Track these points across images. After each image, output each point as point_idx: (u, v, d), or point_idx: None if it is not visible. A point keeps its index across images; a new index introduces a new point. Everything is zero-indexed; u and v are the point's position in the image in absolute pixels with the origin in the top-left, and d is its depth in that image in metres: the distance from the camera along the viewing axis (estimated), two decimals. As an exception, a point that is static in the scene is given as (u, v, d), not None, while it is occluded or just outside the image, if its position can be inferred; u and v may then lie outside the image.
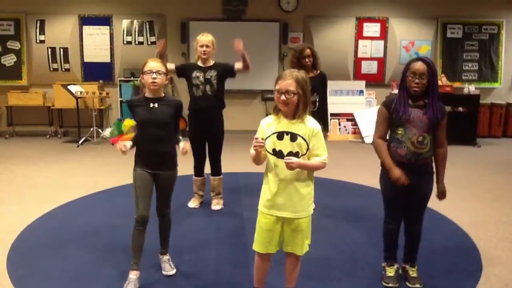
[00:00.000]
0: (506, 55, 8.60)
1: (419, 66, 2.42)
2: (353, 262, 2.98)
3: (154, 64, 2.58)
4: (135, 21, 8.16)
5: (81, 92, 7.40)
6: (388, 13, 8.45)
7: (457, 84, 8.04)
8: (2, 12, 7.97)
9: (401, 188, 2.50)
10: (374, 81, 8.56)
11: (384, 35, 8.48)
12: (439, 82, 7.03)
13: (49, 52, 8.12)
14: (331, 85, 6.35)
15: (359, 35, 8.47)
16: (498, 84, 8.66)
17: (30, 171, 5.48)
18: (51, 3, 8.01)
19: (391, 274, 2.68)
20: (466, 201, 4.41)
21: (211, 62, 3.85)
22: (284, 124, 2.19)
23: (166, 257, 2.85)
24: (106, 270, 2.82)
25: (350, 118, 8.24)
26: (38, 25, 8.04)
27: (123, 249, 3.03)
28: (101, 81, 8.14)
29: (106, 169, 5.64)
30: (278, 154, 2.18)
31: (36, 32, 8.06)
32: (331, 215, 3.93)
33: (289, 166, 2.11)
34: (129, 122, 6.39)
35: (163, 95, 2.68)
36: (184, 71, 3.89)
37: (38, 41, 8.08)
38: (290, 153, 2.16)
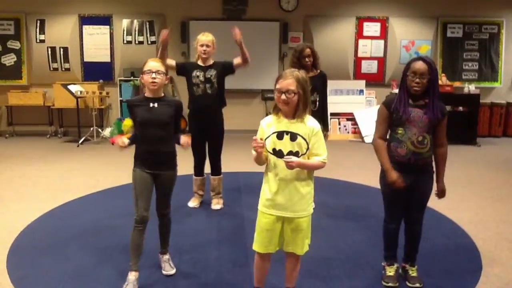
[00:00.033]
0: (506, 54, 8.60)
1: (419, 65, 2.42)
2: (353, 262, 2.98)
3: (153, 64, 2.58)
4: (135, 21, 8.16)
5: (81, 92, 7.41)
6: (388, 12, 8.45)
7: (457, 84, 8.04)
8: (2, 11, 7.97)
9: (401, 188, 2.51)
10: (374, 80, 8.56)
11: (384, 34, 8.48)
12: (439, 82, 7.03)
13: (49, 52, 8.13)
14: (331, 84, 6.36)
15: (359, 34, 8.47)
16: (498, 83, 8.66)
17: (30, 171, 5.48)
18: (51, 3, 8.02)
19: (391, 274, 2.68)
20: (466, 200, 4.41)
21: (211, 62, 3.85)
22: (284, 124, 2.19)
23: (166, 256, 2.84)
24: (106, 270, 2.82)
25: (350, 117, 8.24)
26: (38, 24, 8.05)
27: (123, 249, 3.03)
28: (101, 80, 8.14)
29: (106, 168, 5.64)
30: (278, 153, 2.18)
31: (36, 32, 8.06)
32: (331, 214, 3.93)
33: (289, 165, 2.11)
34: (129, 122, 6.40)
35: (162, 95, 2.68)
36: (184, 69, 3.89)
37: (38, 40, 8.09)
38: (290, 153, 2.16)
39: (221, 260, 3.00)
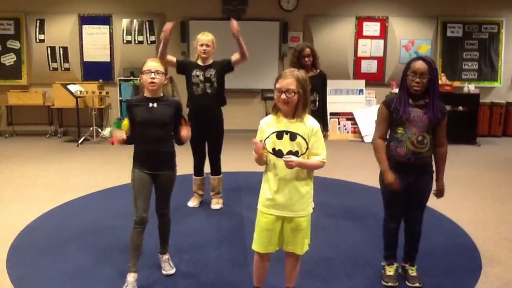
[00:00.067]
0: (506, 54, 8.60)
1: (419, 65, 2.41)
2: (353, 261, 2.98)
3: (152, 64, 2.57)
4: (134, 21, 8.16)
5: (80, 92, 7.40)
6: (388, 12, 8.45)
7: (457, 83, 8.04)
8: (2, 11, 7.97)
9: (401, 187, 2.51)
10: (373, 80, 8.56)
11: (384, 34, 8.48)
12: (439, 81, 7.03)
13: (49, 52, 8.12)
14: (330, 84, 6.35)
15: (359, 34, 8.47)
16: (498, 83, 8.66)
17: (30, 171, 5.48)
18: (51, 3, 8.01)
19: (391, 273, 2.68)
20: (466, 200, 4.41)
21: (210, 61, 3.85)
22: (284, 124, 2.18)
23: (166, 256, 2.84)
24: (105, 270, 2.82)
25: (350, 117, 8.24)
26: (38, 24, 8.04)
27: (122, 249, 3.03)
28: (100, 80, 8.14)
29: (105, 168, 5.64)
30: (277, 153, 2.18)
31: (36, 32, 8.06)
32: (331, 214, 3.93)
33: (288, 165, 2.11)
34: (128, 122, 6.38)
35: (162, 95, 2.67)
36: (184, 68, 3.88)
37: (37, 40, 8.08)
38: (290, 152, 2.16)
39: (221, 259, 3.00)
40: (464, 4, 8.44)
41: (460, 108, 7.71)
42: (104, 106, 8.25)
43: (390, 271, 2.69)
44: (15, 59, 8.13)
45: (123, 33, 8.17)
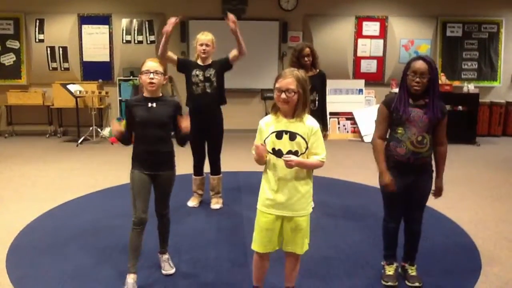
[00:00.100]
0: (506, 54, 8.60)
1: (419, 65, 2.41)
2: (353, 261, 2.98)
3: (152, 64, 2.57)
4: (134, 20, 8.16)
5: (80, 92, 7.40)
6: (388, 12, 8.44)
7: (456, 83, 8.03)
8: (1, 11, 7.97)
9: (401, 187, 2.51)
10: (373, 80, 8.56)
11: (383, 34, 8.48)
12: (439, 81, 7.03)
13: (49, 51, 8.12)
14: (330, 84, 6.34)
15: (358, 34, 8.47)
16: (498, 83, 8.66)
17: (30, 171, 5.47)
18: (51, 3, 8.01)
19: (391, 273, 2.68)
20: (465, 200, 4.41)
21: (210, 61, 3.85)
22: (283, 123, 2.18)
23: (166, 256, 2.84)
24: (105, 270, 2.82)
25: (350, 117, 8.24)
26: (37, 24, 8.04)
27: (122, 249, 3.02)
28: (100, 80, 8.13)
29: (105, 168, 5.63)
30: (277, 153, 2.18)
31: (35, 31, 8.05)
32: (330, 214, 3.93)
33: (288, 164, 2.11)
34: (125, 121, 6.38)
35: (161, 95, 2.67)
36: (184, 67, 3.88)
37: (37, 40, 8.08)
38: (289, 152, 2.16)
39: (221, 259, 3.00)
40: (463, 4, 8.44)
41: (460, 107, 7.71)
42: (104, 106, 8.25)
43: (390, 270, 2.69)
44: (14, 59, 8.12)
45: (122, 33, 8.16)
